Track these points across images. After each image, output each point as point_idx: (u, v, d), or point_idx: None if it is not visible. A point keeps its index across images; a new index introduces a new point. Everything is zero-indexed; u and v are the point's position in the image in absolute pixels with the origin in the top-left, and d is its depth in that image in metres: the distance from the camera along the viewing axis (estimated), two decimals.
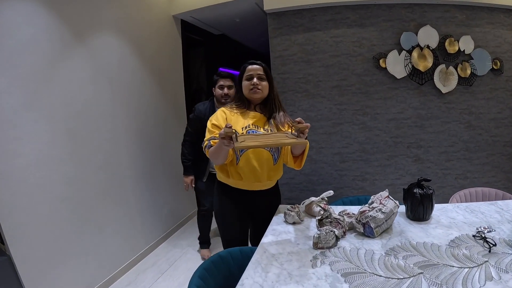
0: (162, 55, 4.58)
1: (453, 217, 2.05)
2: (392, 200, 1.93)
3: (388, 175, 4.39)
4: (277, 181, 2.52)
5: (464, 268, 1.44)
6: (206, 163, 3.72)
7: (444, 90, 4.17)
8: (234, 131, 1.73)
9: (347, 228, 1.88)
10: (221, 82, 3.49)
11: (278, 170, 2.37)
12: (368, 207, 1.88)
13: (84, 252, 3.15)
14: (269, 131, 2.22)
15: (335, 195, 4.29)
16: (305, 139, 1.92)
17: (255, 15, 5.09)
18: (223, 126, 1.98)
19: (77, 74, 3.13)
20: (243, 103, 2.34)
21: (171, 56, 4.85)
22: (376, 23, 4.20)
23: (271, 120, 2.30)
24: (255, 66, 2.30)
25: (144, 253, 4.07)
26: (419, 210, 1.99)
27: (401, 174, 4.37)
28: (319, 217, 1.91)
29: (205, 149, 2.13)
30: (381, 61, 4.16)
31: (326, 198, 2.27)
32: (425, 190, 2.01)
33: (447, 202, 2.53)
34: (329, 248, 1.71)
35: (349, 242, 1.78)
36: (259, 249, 1.80)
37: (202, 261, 3.66)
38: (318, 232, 1.74)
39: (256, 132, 2.18)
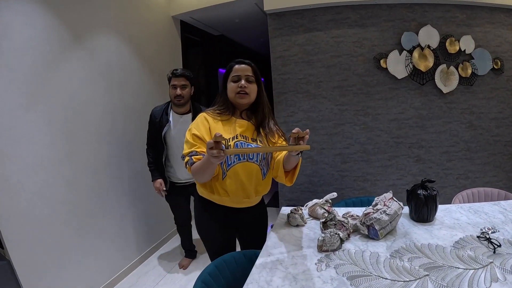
0: (161, 56, 4.57)
1: (457, 218, 2.04)
2: (396, 201, 1.92)
3: (389, 175, 4.39)
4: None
5: (470, 269, 1.43)
6: (164, 171, 3.51)
7: (445, 90, 4.17)
8: (223, 138, 1.55)
9: (351, 231, 1.87)
10: (174, 82, 3.26)
11: (266, 184, 2.14)
12: (372, 209, 1.87)
13: (84, 255, 3.14)
14: (258, 141, 2.04)
15: (337, 196, 4.31)
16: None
17: (254, 16, 5.08)
18: (206, 136, 1.91)
19: (75, 76, 3.12)
20: (227, 108, 2.08)
21: (170, 57, 4.84)
22: (377, 23, 4.20)
23: (260, 129, 2.09)
24: (243, 66, 2.07)
25: (146, 255, 4.06)
26: (423, 212, 1.98)
27: (403, 174, 4.37)
28: (323, 220, 1.90)
29: (186, 165, 1.91)
30: (382, 61, 4.16)
31: (330, 200, 2.26)
32: (429, 191, 2.00)
33: (449, 202, 2.53)
34: (334, 250, 1.70)
35: (354, 245, 1.77)
36: (263, 253, 1.79)
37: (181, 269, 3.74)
38: (323, 235, 1.73)
39: (248, 145, 1.98)
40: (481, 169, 4.37)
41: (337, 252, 1.70)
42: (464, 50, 4.15)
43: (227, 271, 1.78)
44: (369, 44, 4.23)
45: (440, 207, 2.19)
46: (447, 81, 4.15)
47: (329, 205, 2.21)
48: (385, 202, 1.89)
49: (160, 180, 3.47)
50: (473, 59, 4.18)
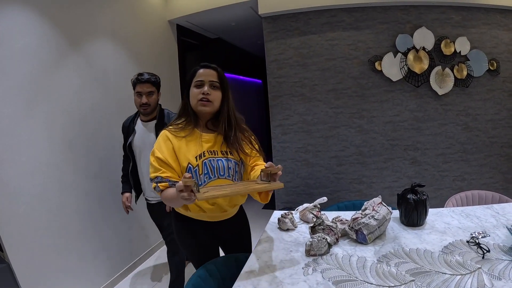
0: (158, 60, 4.58)
1: (448, 222, 2.03)
2: (385, 206, 1.91)
3: (385, 177, 4.38)
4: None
5: (457, 275, 1.42)
6: (138, 184, 3.16)
7: (440, 92, 4.17)
8: (194, 181, 1.45)
9: (339, 235, 1.86)
10: (139, 89, 2.86)
11: (243, 195, 2.03)
12: (361, 213, 1.86)
13: (83, 258, 3.15)
14: (229, 154, 1.90)
15: (331, 198, 4.31)
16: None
17: (250, 19, 5.09)
18: (169, 159, 1.78)
19: (73, 82, 3.14)
20: (189, 120, 1.92)
21: (167, 61, 4.84)
22: (371, 25, 4.20)
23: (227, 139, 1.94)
24: (208, 70, 1.89)
25: (144, 257, 4.06)
26: (413, 216, 1.97)
27: (398, 176, 4.36)
28: (311, 224, 1.90)
29: (154, 189, 1.78)
30: (376, 63, 4.16)
31: (318, 205, 2.25)
32: (419, 196, 1.98)
33: (444, 206, 2.52)
34: (322, 255, 1.69)
35: (342, 249, 1.76)
36: (252, 257, 1.78)
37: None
38: (311, 240, 1.72)
39: (218, 160, 1.85)
40: (477, 171, 4.36)
41: (324, 256, 1.69)
42: (460, 52, 4.15)
43: (218, 274, 1.77)
44: (363, 47, 4.23)
45: (432, 211, 2.17)
46: (443, 83, 4.15)
47: (317, 210, 2.21)
48: (374, 207, 1.88)
49: (127, 195, 3.13)
50: (469, 60, 4.18)
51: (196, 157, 1.81)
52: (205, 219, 1.94)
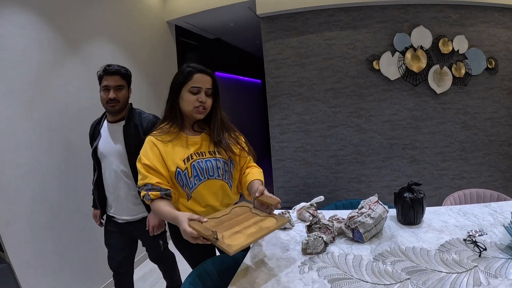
0: (156, 61, 4.58)
1: (445, 221, 2.02)
2: (381, 205, 1.90)
3: (384, 176, 4.38)
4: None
5: (453, 273, 1.41)
6: (103, 199, 2.69)
7: (438, 90, 4.16)
8: (215, 232, 1.40)
9: (336, 234, 1.86)
10: (107, 82, 2.44)
11: (234, 194, 2.03)
12: (357, 212, 1.85)
13: (83, 258, 3.16)
14: (217, 153, 1.89)
15: (330, 197, 4.31)
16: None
17: (249, 19, 5.08)
18: (158, 165, 1.75)
19: (71, 83, 3.15)
20: (175, 122, 1.88)
21: (165, 62, 4.84)
22: (369, 24, 4.20)
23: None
24: (205, 76, 1.84)
25: (142, 258, 4.07)
26: (409, 214, 1.97)
27: (397, 175, 4.36)
28: (308, 223, 1.89)
29: (143, 198, 1.75)
30: (374, 63, 4.16)
31: (315, 204, 2.24)
32: (415, 194, 1.98)
33: (442, 204, 2.52)
34: (318, 253, 1.69)
35: (338, 247, 1.76)
36: (249, 255, 1.78)
37: None
38: (307, 238, 1.72)
39: (207, 161, 1.84)
40: (476, 169, 4.36)
41: (321, 255, 1.68)
42: (458, 50, 4.15)
43: (215, 273, 1.76)
44: (361, 46, 4.23)
45: (429, 209, 2.17)
46: (441, 81, 4.14)
47: (313, 208, 2.20)
48: (370, 206, 1.87)
49: (95, 212, 2.79)
50: (467, 59, 4.17)
51: (183, 160, 1.81)
52: None
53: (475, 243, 1.63)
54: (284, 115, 4.46)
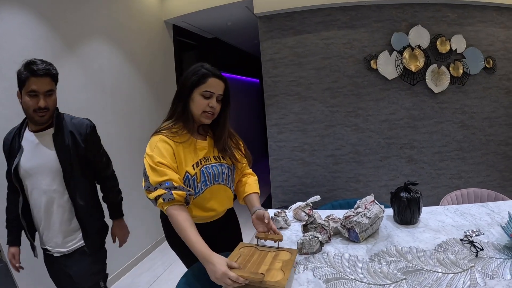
0: (154, 60, 4.56)
1: (442, 220, 2.01)
2: (377, 204, 1.89)
3: (381, 176, 4.37)
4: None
5: (449, 273, 1.41)
6: (32, 230, 2.19)
7: (436, 90, 4.15)
8: (263, 275, 1.34)
9: (332, 233, 1.85)
10: (33, 86, 1.91)
11: (232, 197, 1.99)
12: (353, 212, 1.85)
13: None
14: (221, 159, 1.87)
15: (328, 197, 4.30)
16: None
17: (246, 19, 5.08)
18: (172, 163, 1.66)
19: (69, 83, 3.11)
20: (186, 126, 1.79)
21: (163, 62, 4.83)
22: (366, 24, 4.19)
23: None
24: (219, 82, 1.77)
25: (140, 258, 4.06)
26: (406, 214, 1.96)
27: (395, 175, 4.35)
28: (303, 223, 1.88)
29: (155, 200, 1.61)
30: (372, 62, 4.15)
31: (311, 204, 2.24)
32: (412, 194, 1.97)
33: (439, 204, 2.51)
34: (313, 253, 1.68)
35: (334, 247, 1.75)
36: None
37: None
38: (302, 238, 1.71)
39: (213, 166, 1.82)
40: (474, 169, 4.35)
41: (316, 254, 1.68)
42: (455, 50, 4.14)
43: (207, 276, 1.75)
44: (359, 45, 4.22)
45: (426, 209, 2.16)
46: (438, 81, 4.13)
47: (309, 208, 2.19)
48: (366, 205, 1.86)
49: (13, 250, 2.18)
50: (465, 58, 4.17)
51: (193, 166, 1.76)
52: (196, 221, 1.77)
53: (472, 243, 1.62)
54: (281, 114, 4.45)
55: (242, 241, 2.03)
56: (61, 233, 2.09)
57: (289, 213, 2.31)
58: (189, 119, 1.78)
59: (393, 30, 4.15)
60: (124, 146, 3.83)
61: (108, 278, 3.39)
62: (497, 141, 4.32)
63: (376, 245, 1.73)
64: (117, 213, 2.51)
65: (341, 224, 1.85)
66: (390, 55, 4.15)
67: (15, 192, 2.12)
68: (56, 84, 2.09)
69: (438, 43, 4.11)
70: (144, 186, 1.67)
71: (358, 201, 1.96)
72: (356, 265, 1.54)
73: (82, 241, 2.13)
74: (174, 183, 1.60)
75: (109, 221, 2.46)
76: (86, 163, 2.15)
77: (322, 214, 2.08)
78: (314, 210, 2.18)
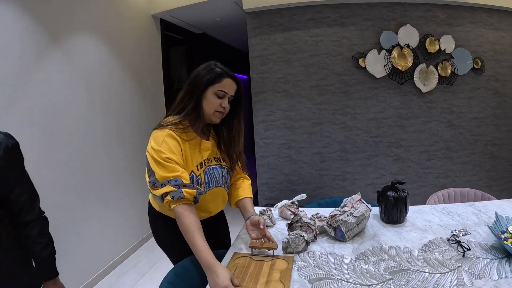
0: (141, 55, 4.49)
1: (429, 220, 2.00)
2: (364, 203, 1.87)
3: (368, 174, 4.38)
4: None
5: (436, 273, 1.39)
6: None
7: (424, 89, 4.16)
8: None
9: (317, 232, 1.82)
10: None
11: (224, 201, 1.98)
12: (339, 210, 1.82)
13: (64, 255, 3.05)
14: (222, 161, 1.86)
15: (314, 195, 4.29)
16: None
17: (235, 14, 5.03)
18: (181, 160, 1.63)
19: (54, 77, 3.05)
20: (194, 123, 1.73)
21: (150, 56, 4.76)
22: (356, 22, 4.18)
23: (222, 147, 1.89)
24: (233, 83, 1.76)
25: (125, 255, 4.00)
26: (393, 213, 1.94)
27: (382, 173, 4.36)
28: (289, 222, 1.85)
29: (162, 198, 1.56)
30: (360, 60, 4.14)
31: (296, 202, 2.20)
32: (399, 193, 1.95)
33: (426, 203, 2.50)
34: (299, 252, 1.65)
35: (320, 246, 1.72)
36: (228, 254, 1.73)
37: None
38: (288, 237, 1.68)
39: (214, 168, 1.80)
40: (461, 168, 4.37)
41: (302, 254, 1.65)
42: (444, 50, 4.15)
43: (193, 273, 1.71)
44: (348, 43, 4.21)
45: (413, 208, 2.15)
46: (427, 80, 4.14)
47: (295, 206, 2.16)
48: (353, 204, 1.84)
49: None
50: (453, 58, 4.17)
51: (197, 166, 1.73)
52: None
53: (458, 243, 1.60)
54: (269, 111, 4.42)
55: (230, 240, 2.01)
56: None
57: (275, 211, 2.28)
58: (199, 117, 1.72)
59: (382, 29, 4.14)
60: (110, 141, 3.77)
61: (92, 277, 3.39)
62: (484, 141, 4.35)
63: (363, 245, 1.71)
64: (47, 272, 1.73)
65: (327, 223, 1.83)
66: (379, 53, 4.14)
67: None
68: None
69: (427, 43, 4.11)
70: (150, 182, 1.63)
71: (344, 200, 1.94)
72: (342, 265, 1.51)
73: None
74: (183, 180, 1.55)
75: None
76: None
77: (308, 213, 2.06)
78: (300, 209, 2.15)
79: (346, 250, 1.67)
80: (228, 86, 1.73)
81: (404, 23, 4.13)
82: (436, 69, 4.15)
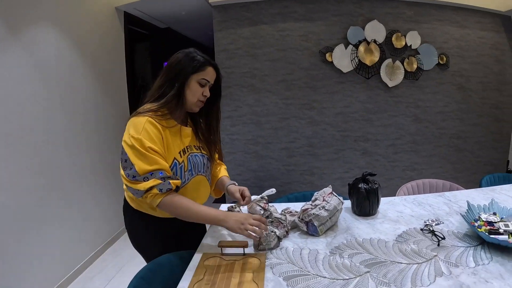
0: (103, 49, 4.33)
1: (401, 211, 2.00)
2: (336, 196, 1.84)
3: (336, 168, 4.39)
4: None
5: (413, 264, 1.36)
6: None
7: (390, 84, 4.20)
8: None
9: (289, 228, 1.77)
10: None
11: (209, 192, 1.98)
12: (311, 204, 1.78)
13: (26, 262, 2.91)
14: (201, 149, 1.84)
15: (282, 190, 4.26)
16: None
17: (201, 9, 4.94)
18: (161, 148, 1.57)
19: (11, 72, 2.85)
20: (174, 111, 1.69)
21: (113, 51, 4.60)
22: (324, 17, 4.18)
23: (200, 135, 1.87)
24: (215, 72, 1.75)
25: (90, 260, 3.82)
26: (365, 205, 1.92)
27: (350, 167, 4.38)
28: None
29: (147, 193, 1.50)
30: (327, 55, 4.14)
31: (266, 197, 2.14)
32: (370, 185, 1.93)
33: (396, 194, 2.50)
34: (271, 249, 1.59)
35: (293, 242, 1.67)
36: (197, 255, 1.65)
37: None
38: None
39: (195, 156, 1.77)
40: (427, 161, 4.46)
41: (274, 251, 1.59)
42: (410, 45, 4.22)
43: (162, 274, 1.64)
44: (315, 38, 4.20)
45: (384, 199, 2.14)
46: (393, 75, 4.18)
47: (264, 202, 2.10)
48: (324, 197, 1.80)
49: None
50: (419, 54, 4.25)
51: (179, 153, 1.68)
52: (158, 215, 1.77)
53: (432, 232, 1.60)
54: (235, 106, 4.37)
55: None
56: None
57: (244, 207, 2.23)
58: (181, 105, 1.67)
59: (349, 24, 4.16)
60: (71, 139, 3.62)
61: (57, 284, 3.25)
62: (449, 134, 4.45)
63: (336, 238, 1.67)
64: None
65: (299, 217, 1.78)
66: (346, 48, 4.15)
67: None
68: None
69: (393, 39, 4.15)
70: (127, 175, 1.52)
71: (315, 193, 1.89)
72: (317, 260, 1.46)
73: None
74: (167, 172, 1.53)
75: None
76: None
77: (278, 208, 2.01)
78: (269, 204, 2.10)
79: (320, 244, 1.62)
80: (211, 74, 1.72)
81: (371, 18, 4.16)
82: (402, 64, 4.20)
